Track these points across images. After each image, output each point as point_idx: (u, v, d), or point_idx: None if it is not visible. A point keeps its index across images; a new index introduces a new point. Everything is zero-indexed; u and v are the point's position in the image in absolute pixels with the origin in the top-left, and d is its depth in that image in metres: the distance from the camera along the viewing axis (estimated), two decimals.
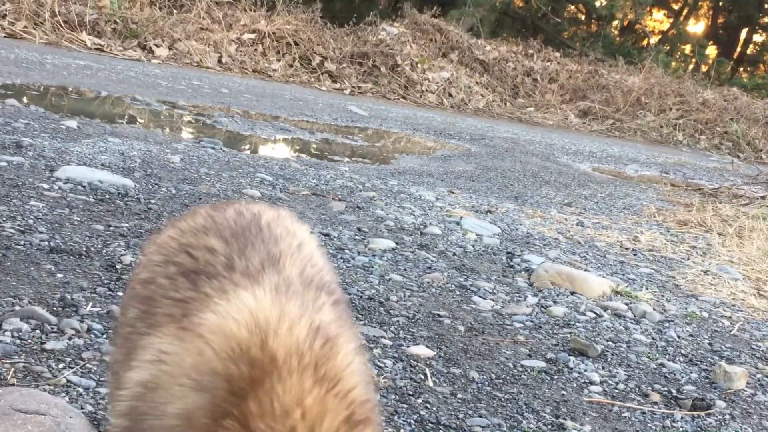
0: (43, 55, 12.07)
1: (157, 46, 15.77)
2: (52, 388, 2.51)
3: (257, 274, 1.47)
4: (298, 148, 8.81)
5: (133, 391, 1.37)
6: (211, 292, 1.43)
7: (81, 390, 2.53)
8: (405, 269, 4.46)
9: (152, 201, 4.78)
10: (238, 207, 1.74)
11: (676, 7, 35.80)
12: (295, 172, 6.68)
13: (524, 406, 3.01)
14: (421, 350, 3.35)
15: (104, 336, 2.93)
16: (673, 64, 27.90)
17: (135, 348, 1.45)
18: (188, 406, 1.27)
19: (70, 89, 9.45)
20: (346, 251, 4.54)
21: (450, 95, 19.27)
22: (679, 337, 4.14)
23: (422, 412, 2.81)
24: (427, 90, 18.89)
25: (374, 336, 3.41)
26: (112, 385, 1.63)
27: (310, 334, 1.35)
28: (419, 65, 19.23)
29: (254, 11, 18.28)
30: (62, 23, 14.88)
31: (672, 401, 3.30)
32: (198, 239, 1.59)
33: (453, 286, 4.32)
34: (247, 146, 8.30)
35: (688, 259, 6.14)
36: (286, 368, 1.27)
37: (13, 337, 2.77)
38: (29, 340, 2.78)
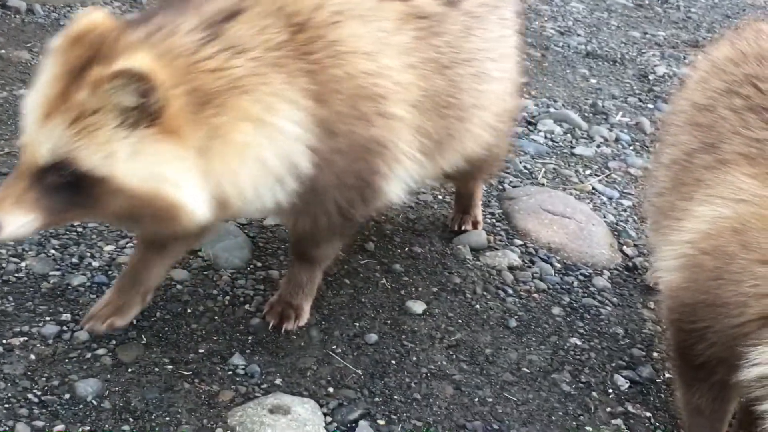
0: None
1: None
2: (577, 193, 2.59)
3: None
4: None
5: (709, 227, 1.35)
6: None
7: (605, 199, 2.58)
8: None
9: (692, 9, 4.52)
10: None
11: None
12: None
13: None
14: None
15: (631, 147, 2.93)
16: None
17: (697, 179, 1.42)
18: None
19: None
20: None
21: None
22: None
23: None
24: None
25: None
26: (654, 203, 1.62)
27: None
28: None
29: None
30: None
31: None
32: (765, 69, 1.45)
33: None
34: None
35: None
36: None
37: (545, 138, 2.90)
38: (560, 143, 2.88)
